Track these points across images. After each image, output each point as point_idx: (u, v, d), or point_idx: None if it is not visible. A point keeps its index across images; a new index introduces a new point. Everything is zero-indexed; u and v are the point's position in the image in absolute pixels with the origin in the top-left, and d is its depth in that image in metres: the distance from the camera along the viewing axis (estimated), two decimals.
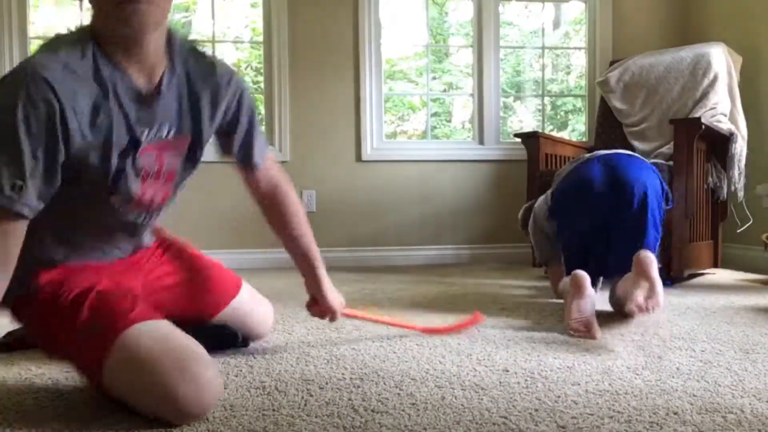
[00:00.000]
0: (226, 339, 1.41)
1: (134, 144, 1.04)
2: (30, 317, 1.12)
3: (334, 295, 1.43)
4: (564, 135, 4.10)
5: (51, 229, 1.08)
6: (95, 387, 1.04)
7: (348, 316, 1.52)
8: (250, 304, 1.44)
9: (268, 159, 1.33)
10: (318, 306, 1.43)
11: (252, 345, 1.46)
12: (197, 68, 1.12)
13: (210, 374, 0.97)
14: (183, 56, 1.10)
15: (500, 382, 1.15)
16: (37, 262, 1.08)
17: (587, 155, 2.08)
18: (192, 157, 1.17)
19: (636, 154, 2.11)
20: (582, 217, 1.90)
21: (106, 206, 1.08)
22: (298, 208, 1.37)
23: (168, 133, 1.09)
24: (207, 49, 1.18)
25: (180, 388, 0.92)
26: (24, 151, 0.90)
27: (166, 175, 1.13)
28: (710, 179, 2.84)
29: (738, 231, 2.97)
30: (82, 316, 1.02)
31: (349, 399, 1.06)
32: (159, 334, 1.00)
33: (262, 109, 3.49)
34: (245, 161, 1.27)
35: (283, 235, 1.37)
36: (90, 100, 0.97)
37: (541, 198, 2.29)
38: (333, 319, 1.45)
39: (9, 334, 1.46)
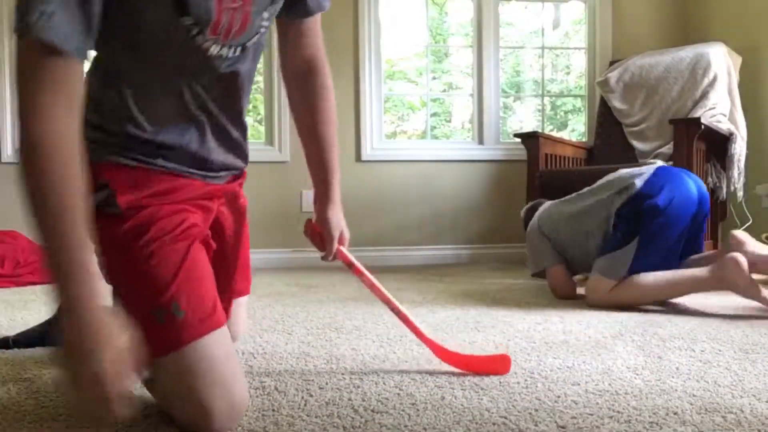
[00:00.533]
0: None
1: None
2: (101, 241, 1.01)
3: (337, 221, 1.23)
4: (564, 135, 4.10)
5: (132, 90, 0.99)
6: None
7: (346, 261, 1.24)
8: (237, 316, 1.32)
9: (318, 21, 1.17)
10: (315, 227, 1.24)
11: (252, 345, 1.46)
12: None
13: (245, 393, 0.95)
14: None
15: (500, 382, 1.15)
16: (125, 140, 1.00)
17: (661, 165, 2.10)
18: None
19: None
20: (678, 232, 1.92)
21: (179, 33, 0.94)
22: (330, 97, 1.21)
23: None
24: None
25: (216, 406, 0.90)
26: None
27: None
28: (710, 179, 2.84)
29: None
30: (166, 295, 0.94)
31: (349, 399, 1.06)
32: (223, 349, 0.95)
33: (262, 109, 3.49)
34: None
35: (303, 124, 1.21)
36: None
37: (550, 203, 2.28)
38: (328, 252, 1.23)
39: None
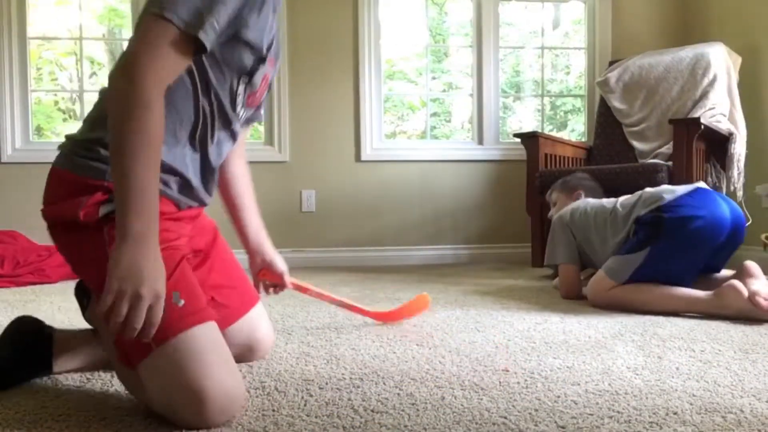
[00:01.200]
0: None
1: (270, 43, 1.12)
2: (102, 249, 1.01)
3: (281, 260, 1.45)
4: (563, 135, 4.10)
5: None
6: (121, 360, 1.01)
7: (296, 287, 1.54)
8: (260, 320, 1.33)
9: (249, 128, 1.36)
10: (269, 273, 1.44)
11: None
12: None
13: (240, 383, 0.96)
14: None
15: (500, 382, 1.15)
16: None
17: (701, 186, 2.00)
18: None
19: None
20: (699, 256, 1.88)
21: (232, 87, 1.11)
22: (248, 175, 1.38)
23: None
24: None
25: (210, 390, 0.91)
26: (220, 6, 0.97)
27: (270, 62, 1.16)
28: (709, 179, 2.84)
29: None
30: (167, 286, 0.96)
31: (349, 399, 1.07)
32: (215, 338, 0.97)
33: None
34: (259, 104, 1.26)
35: (225, 186, 1.36)
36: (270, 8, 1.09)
37: (587, 201, 2.24)
38: (282, 286, 1.46)
39: None
